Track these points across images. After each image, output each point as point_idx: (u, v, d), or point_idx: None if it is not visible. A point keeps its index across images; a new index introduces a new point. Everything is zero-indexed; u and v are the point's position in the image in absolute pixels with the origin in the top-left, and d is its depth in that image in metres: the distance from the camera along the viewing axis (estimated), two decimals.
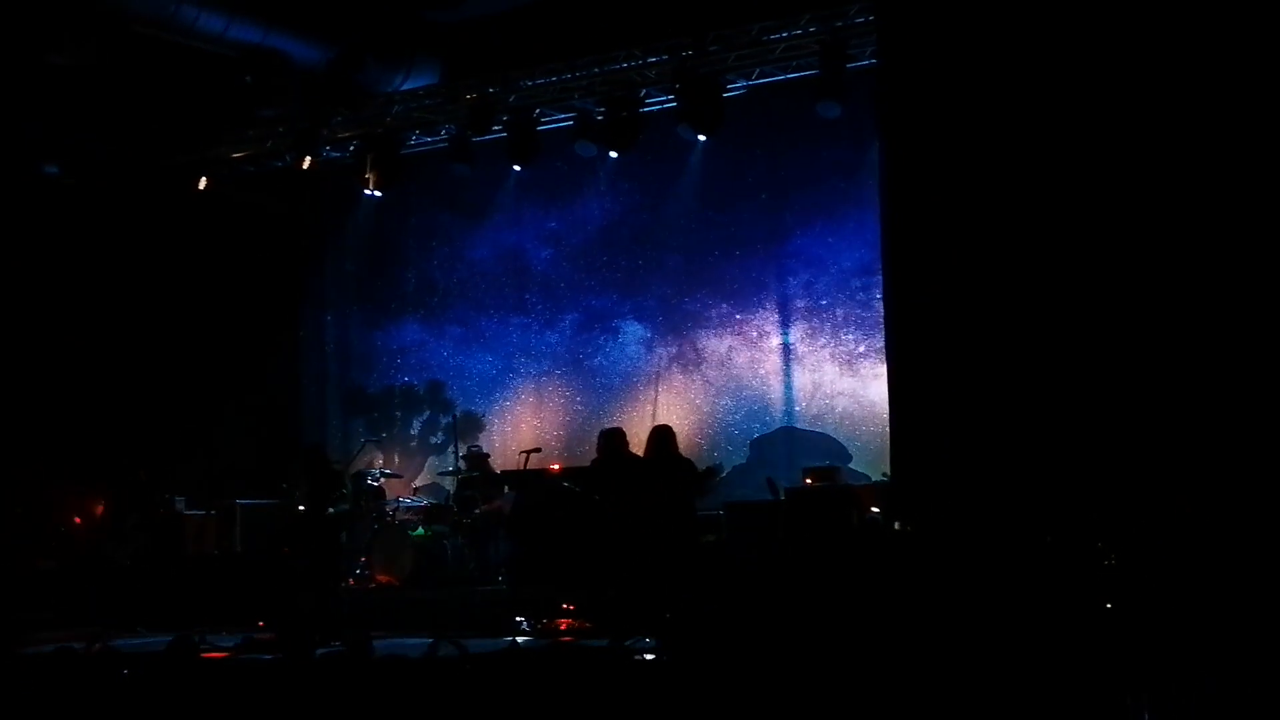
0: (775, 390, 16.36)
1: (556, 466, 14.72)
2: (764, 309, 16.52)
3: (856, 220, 15.44)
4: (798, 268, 16.32)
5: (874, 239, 13.59)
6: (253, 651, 11.31)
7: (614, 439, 12.81)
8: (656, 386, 17.03)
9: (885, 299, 12.44)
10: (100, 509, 15.71)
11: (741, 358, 16.65)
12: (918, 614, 9.18)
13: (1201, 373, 10.01)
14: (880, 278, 12.88)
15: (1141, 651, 8.20)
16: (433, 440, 18.59)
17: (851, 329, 15.94)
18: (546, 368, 17.90)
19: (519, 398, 18.02)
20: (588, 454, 13.95)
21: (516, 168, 16.79)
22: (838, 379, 15.99)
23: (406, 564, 14.77)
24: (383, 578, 14.85)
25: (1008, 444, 10.62)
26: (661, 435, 12.47)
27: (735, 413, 16.42)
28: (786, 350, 16.36)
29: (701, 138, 15.64)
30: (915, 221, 11.33)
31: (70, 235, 18.09)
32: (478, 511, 14.99)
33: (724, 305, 16.77)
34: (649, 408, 16.72)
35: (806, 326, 16.24)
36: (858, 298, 15.86)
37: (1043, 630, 8.49)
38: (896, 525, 12.71)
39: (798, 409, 16.17)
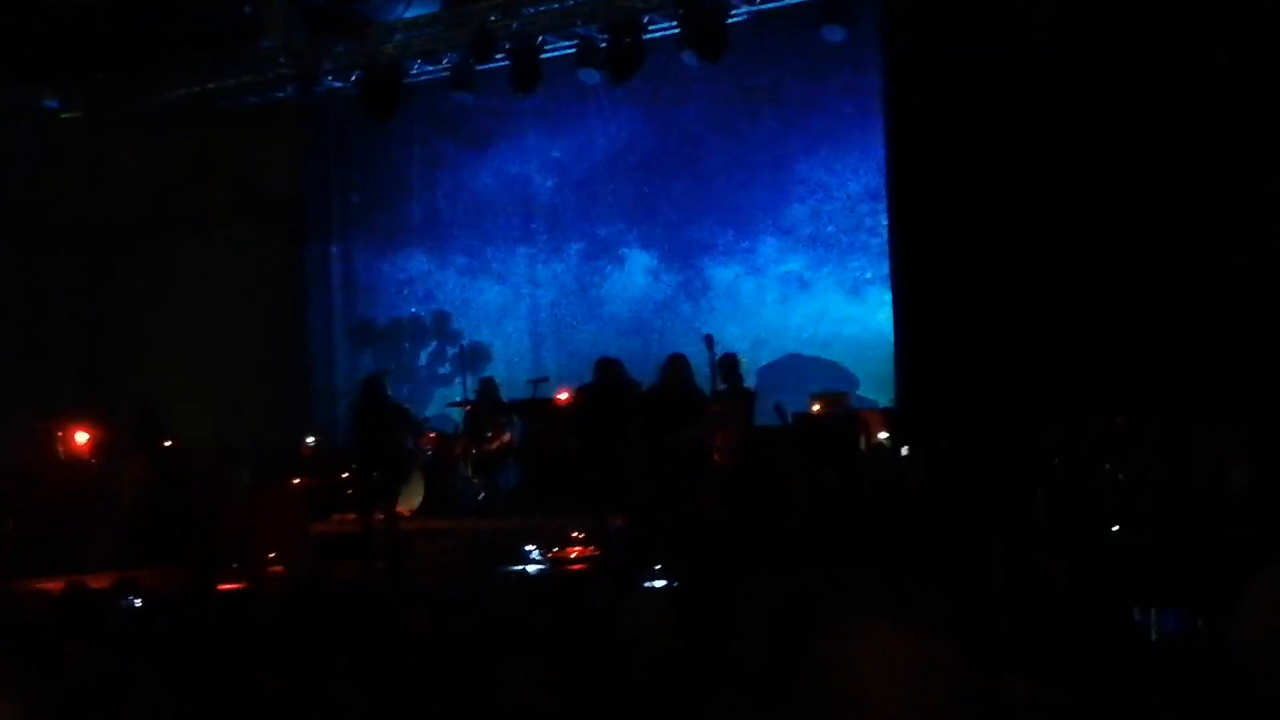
0: (782, 317, 16.36)
1: (564, 395, 14.75)
2: (770, 235, 16.49)
3: (862, 146, 15.38)
4: (804, 194, 16.28)
5: (881, 164, 13.54)
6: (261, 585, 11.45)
7: (610, 369, 12.84)
8: (663, 314, 17.04)
9: (890, 224, 12.42)
10: (94, 445, 15.65)
11: (748, 284, 16.64)
12: (923, 535, 9.24)
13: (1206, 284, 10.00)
14: (886, 203, 12.87)
15: (1148, 568, 8.26)
16: (440, 371, 18.61)
17: (858, 255, 15.91)
18: (553, 297, 17.89)
19: (526, 328, 18.03)
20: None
21: (519, 96, 16.74)
22: (845, 305, 15.98)
23: (417, 495, 14.84)
24: (394, 509, 14.93)
25: (1012, 367, 10.62)
26: (676, 364, 12.53)
27: (742, 339, 16.42)
28: (793, 277, 16.35)
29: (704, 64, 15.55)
30: (921, 146, 11.29)
31: (71, 169, 18.15)
32: (488, 438, 15.07)
33: (730, 232, 16.75)
34: (655, 336, 16.71)
35: (813, 253, 16.22)
36: (865, 224, 15.81)
37: (1049, 548, 8.53)
38: (904, 450, 12.76)
39: (805, 335, 16.18)
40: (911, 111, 11.40)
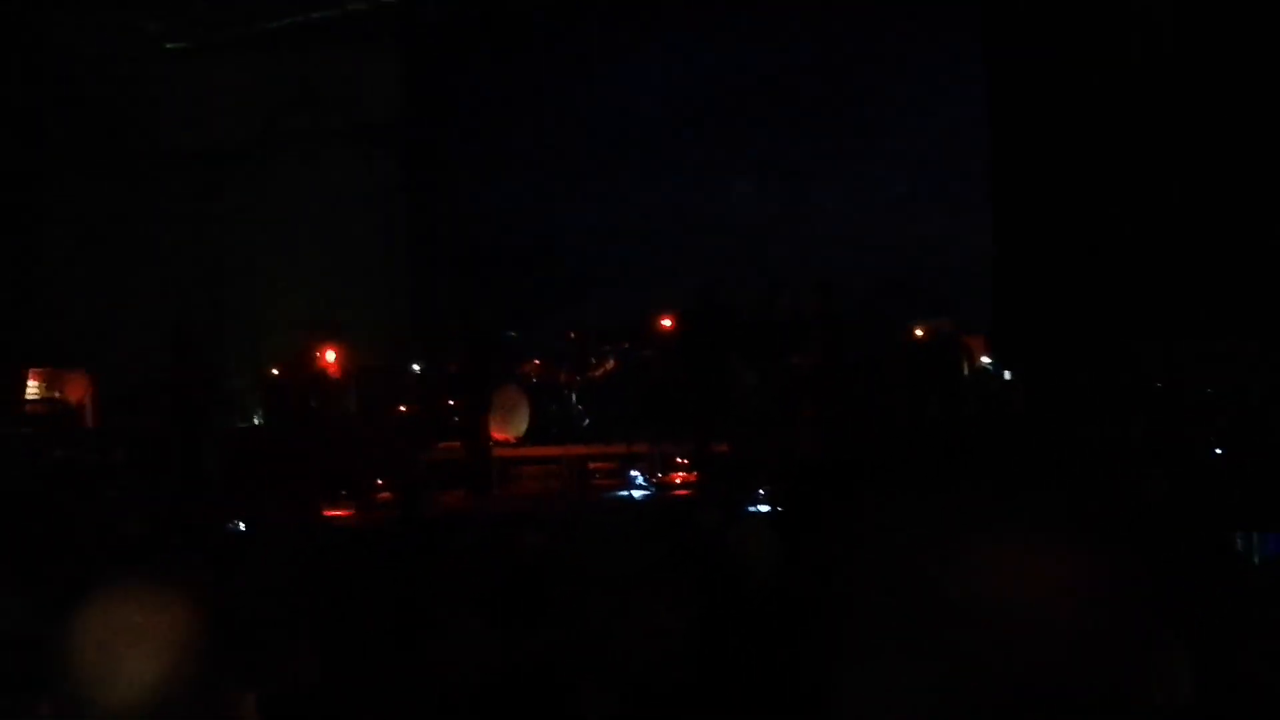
0: (884, 242, 16.29)
1: (669, 322, 14.81)
2: (872, 161, 16.42)
3: (965, 70, 15.25)
4: (906, 119, 16.18)
5: (982, 90, 13.46)
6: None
7: (714, 295, 12.91)
8: (765, 241, 17.02)
9: (991, 150, 12.36)
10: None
11: (849, 210, 16.58)
12: (1025, 459, 9.23)
13: None
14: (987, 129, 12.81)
15: (1249, 491, 8.22)
16: (545, 298, 18.68)
17: (960, 180, 15.80)
18: (657, 224, 17.90)
19: (631, 254, 18.06)
20: None
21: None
22: (947, 230, 15.89)
23: (522, 422, 14.98)
24: (498, 435, 15.09)
25: (1110, 291, 10.58)
26: (779, 291, 12.59)
27: (843, 265, 16.39)
28: (894, 202, 16.28)
29: None
30: (1021, 73, 11.23)
31: (177, 96, 18.36)
32: (592, 364, 15.18)
33: (832, 157, 16.69)
34: (757, 262, 16.69)
35: (915, 178, 16.15)
36: (966, 148, 15.69)
37: (1150, 473, 8.51)
38: (1007, 374, 12.75)
39: (907, 261, 16.12)
40: (1012, 35, 11.33)
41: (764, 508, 9.28)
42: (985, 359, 13.40)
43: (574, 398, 15.20)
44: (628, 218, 18.12)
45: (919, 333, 13.90)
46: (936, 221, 15.99)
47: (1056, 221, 10.88)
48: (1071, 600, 1.38)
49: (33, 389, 14.52)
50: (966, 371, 13.37)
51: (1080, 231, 10.73)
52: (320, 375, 15.52)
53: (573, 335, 15.91)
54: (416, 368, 15.42)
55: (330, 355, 15.14)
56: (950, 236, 15.84)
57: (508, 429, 15.04)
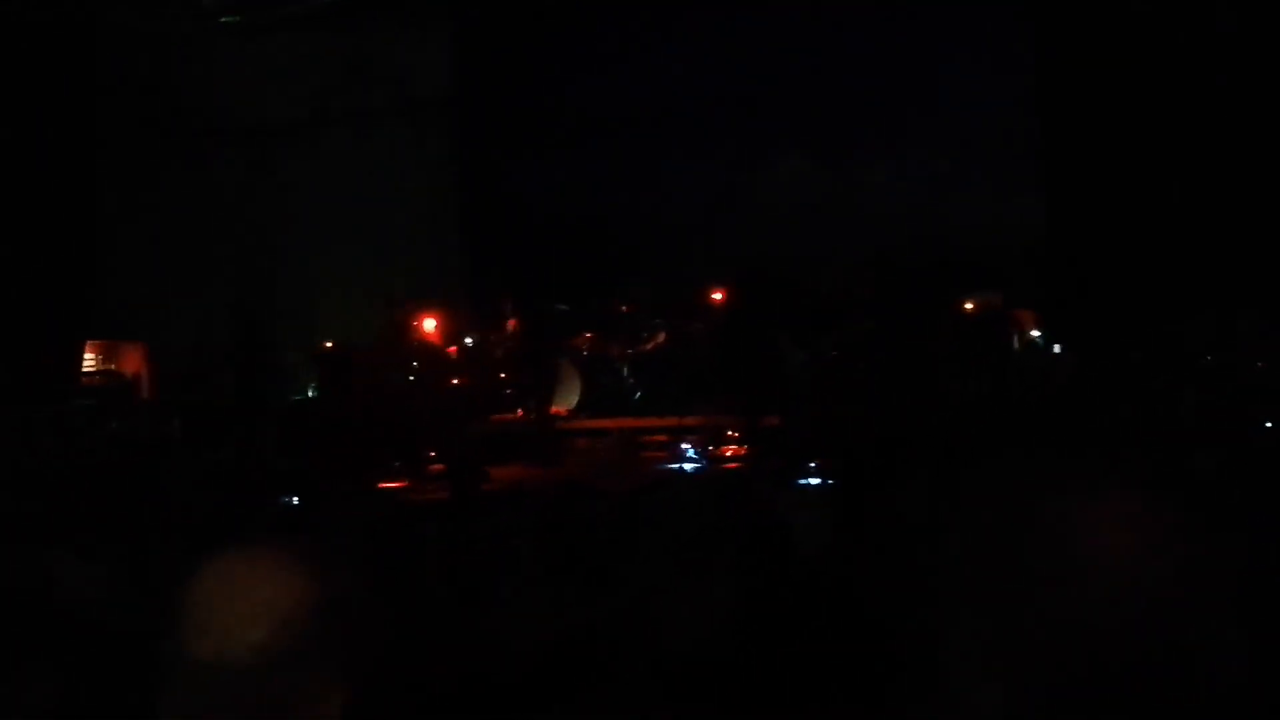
0: (933, 218, 16.27)
1: (720, 295, 14.87)
2: (921, 138, 16.38)
3: (1015, 48, 15.22)
4: (956, 97, 16.14)
5: (1032, 66, 13.42)
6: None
7: (765, 270, 12.95)
8: (815, 217, 17.02)
9: (1041, 127, 12.34)
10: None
11: (899, 186, 16.56)
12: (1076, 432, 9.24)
13: None
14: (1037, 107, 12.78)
15: None
16: (596, 271, 18.70)
17: (1009, 157, 15.77)
18: (709, 199, 17.92)
19: (682, 229, 18.07)
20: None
21: None
22: (996, 206, 15.86)
23: (574, 394, 15.07)
24: (551, 409, 15.18)
25: (1160, 267, 10.57)
26: (829, 266, 12.62)
27: (894, 241, 16.38)
28: (944, 179, 16.24)
29: None
30: (1073, 47, 11.21)
31: (230, 71, 18.50)
32: (644, 337, 15.25)
33: (881, 135, 16.67)
34: (807, 238, 16.70)
35: (964, 155, 16.10)
36: (1014, 123, 15.66)
37: (1204, 448, 8.51)
38: (1056, 348, 12.74)
39: (957, 236, 16.09)
40: (1063, 10, 11.31)
41: (815, 481, 9.33)
42: (1035, 333, 13.39)
43: (625, 371, 15.27)
44: (678, 192, 18.13)
45: (969, 307, 13.90)
46: (985, 197, 15.95)
47: (1108, 195, 10.87)
48: (1156, 561, 1.39)
49: (90, 362, 14.71)
50: (1017, 345, 13.37)
51: (1132, 204, 10.72)
52: (375, 348, 15.68)
53: (624, 309, 15.97)
54: (469, 341, 15.50)
55: (430, 324, 15.34)
56: (999, 211, 15.80)
57: (559, 402, 15.14)
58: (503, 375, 15.01)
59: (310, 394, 16.07)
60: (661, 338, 15.15)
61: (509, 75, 19.26)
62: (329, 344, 16.16)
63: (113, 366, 15.01)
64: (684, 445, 12.51)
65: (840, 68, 16.90)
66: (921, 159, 16.38)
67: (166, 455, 12.86)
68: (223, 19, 18.68)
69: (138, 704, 1.95)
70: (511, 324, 15.15)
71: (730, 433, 12.55)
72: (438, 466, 12.94)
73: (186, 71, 18.48)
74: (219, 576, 1.86)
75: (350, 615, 1.88)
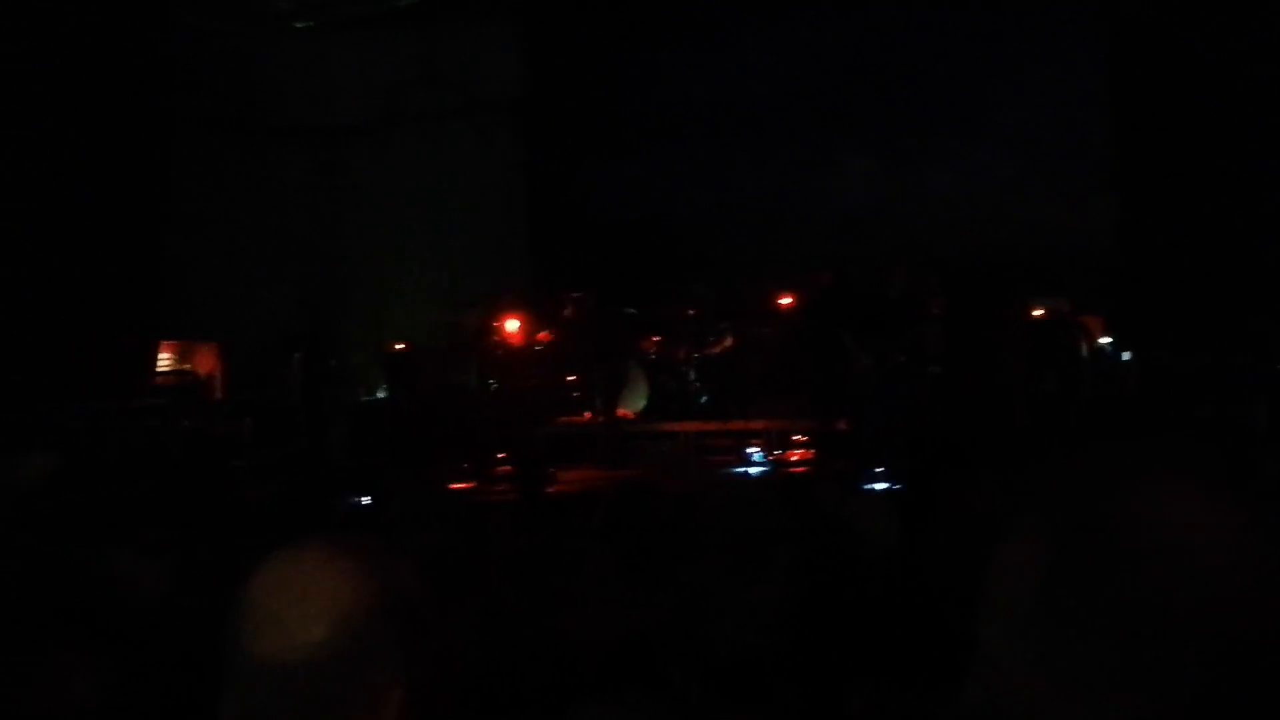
0: (999, 222, 16.19)
1: (787, 299, 14.86)
2: (988, 141, 16.30)
3: (1083, 50, 15.12)
4: (1023, 99, 16.06)
5: (1098, 72, 13.33)
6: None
7: (831, 272, 12.93)
8: (879, 219, 16.98)
9: (1112, 131, 12.26)
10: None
11: (965, 190, 16.49)
12: (1145, 437, 9.17)
13: None
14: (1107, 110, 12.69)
15: None
16: (661, 275, 18.73)
17: (1077, 161, 15.66)
18: (773, 202, 17.90)
19: (748, 232, 18.06)
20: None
21: None
22: (1064, 210, 15.75)
23: (641, 398, 15.08)
24: (619, 412, 15.21)
25: (1232, 274, 10.46)
26: (896, 268, 12.59)
27: (958, 245, 16.31)
28: (1011, 182, 16.15)
29: None
30: (1144, 49, 11.12)
31: (301, 72, 18.63)
32: (710, 341, 15.26)
33: (947, 137, 16.59)
34: (872, 240, 16.66)
35: (1031, 159, 16.01)
36: (1084, 130, 15.55)
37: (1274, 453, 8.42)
38: (1125, 355, 12.65)
39: (1023, 240, 15.99)
40: (1134, 10, 11.22)
41: (882, 485, 9.31)
42: (1104, 339, 13.31)
43: (691, 374, 15.27)
44: (743, 195, 18.13)
45: (1037, 312, 13.83)
46: (1054, 201, 15.85)
47: (1179, 199, 10.77)
48: (1238, 559, 1.37)
49: (165, 361, 14.86)
50: (1085, 352, 13.29)
51: (1203, 209, 10.62)
52: (446, 349, 15.77)
53: (690, 312, 15.98)
54: (537, 343, 15.55)
55: (513, 324, 15.41)
56: (1066, 217, 15.71)
57: (626, 404, 15.16)
58: (570, 378, 15.04)
59: (380, 394, 16.17)
60: (729, 341, 15.14)
61: (577, 77, 19.29)
62: (399, 345, 16.25)
63: (187, 366, 15.16)
64: (750, 449, 12.51)
65: (909, 69, 16.84)
66: (989, 162, 16.30)
67: (237, 454, 12.99)
68: (298, 22, 18.81)
69: (201, 698, 1.97)
70: (579, 327, 15.17)
71: (796, 436, 12.54)
72: (505, 468, 13.00)
73: (260, 72, 18.63)
74: (284, 574, 1.89)
75: (413, 615, 1.90)
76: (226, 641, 1.89)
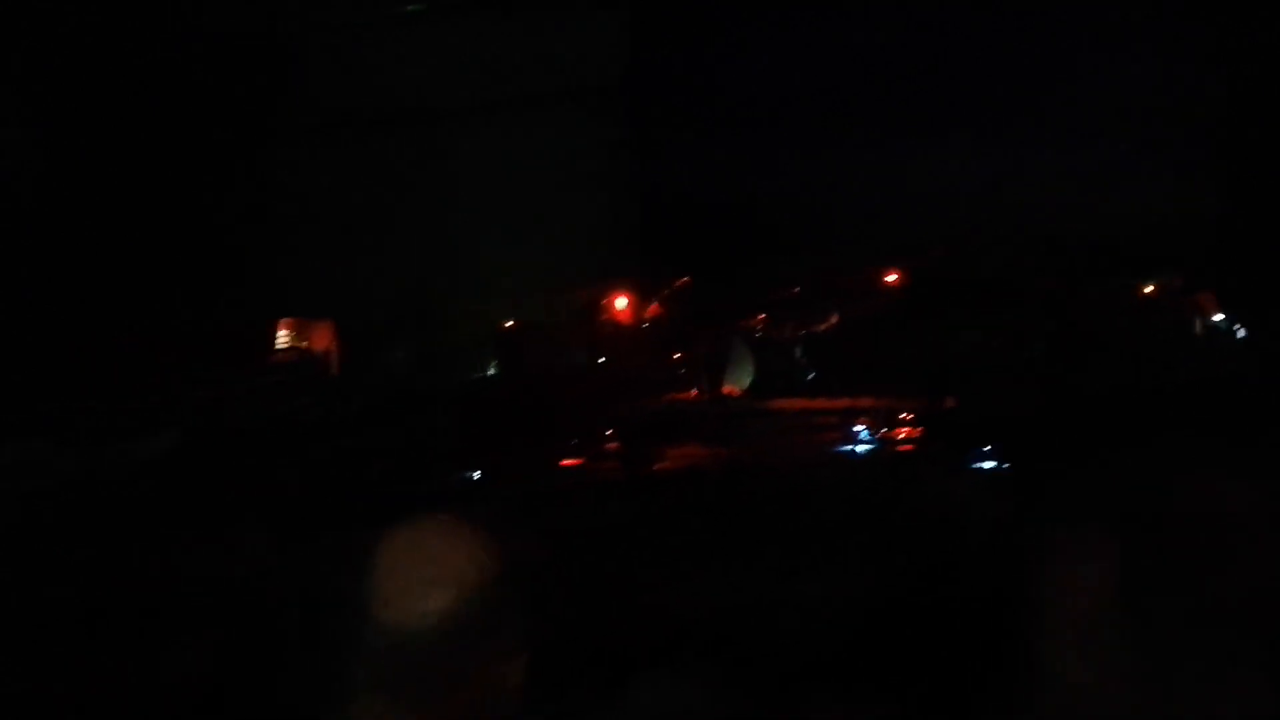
0: (1102, 201, 16.00)
1: (893, 277, 14.79)
2: (1088, 121, 16.11)
3: (1187, 27, 14.90)
4: (1122, 77, 15.85)
5: (1205, 47, 13.16)
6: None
7: (935, 252, 12.88)
8: (978, 199, 16.83)
9: (1222, 104, 12.10)
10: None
11: (1064, 169, 16.31)
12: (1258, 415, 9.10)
13: None
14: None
15: None
16: (765, 255, 18.68)
17: (1180, 137, 15.44)
18: (865, 184, 17.78)
19: (847, 213, 17.96)
20: None
21: None
22: (1167, 187, 15.55)
23: (747, 375, 15.08)
24: (724, 389, 15.23)
25: None
26: (996, 248, 12.51)
27: (1060, 223, 16.13)
28: (1112, 162, 15.97)
29: None
30: (1253, 23, 10.97)
31: (404, 57, 18.75)
32: (816, 318, 15.22)
33: (1044, 117, 16.40)
34: (971, 221, 16.52)
35: (1133, 138, 15.82)
36: (1188, 103, 15.31)
37: None
38: (1240, 332, 12.51)
39: (1127, 219, 15.79)
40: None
41: (989, 464, 9.30)
42: (1218, 316, 13.15)
43: (798, 351, 15.25)
44: (848, 174, 18.01)
45: (1147, 289, 13.69)
46: (1165, 178, 15.65)
47: None
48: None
49: (283, 338, 15.08)
50: (1199, 329, 13.15)
51: None
52: (556, 327, 15.86)
53: (796, 290, 15.94)
54: (645, 321, 15.61)
55: (622, 302, 15.50)
56: (1175, 193, 15.50)
57: (733, 382, 15.17)
58: (677, 355, 15.08)
59: (489, 372, 16.29)
60: (834, 319, 15.12)
61: (678, 59, 19.25)
62: (508, 323, 16.37)
63: (304, 344, 15.37)
64: (856, 427, 12.51)
65: (1013, 45, 16.68)
66: (1097, 137, 16.11)
67: (350, 431, 13.16)
68: (410, 6, 18.91)
69: (316, 669, 2.10)
70: (685, 305, 15.23)
71: (903, 415, 12.52)
72: (613, 445, 13.08)
73: (370, 57, 18.79)
74: (411, 548, 2.00)
75: (533, 585, 2.01)
76: (352, 614, 2.01)
